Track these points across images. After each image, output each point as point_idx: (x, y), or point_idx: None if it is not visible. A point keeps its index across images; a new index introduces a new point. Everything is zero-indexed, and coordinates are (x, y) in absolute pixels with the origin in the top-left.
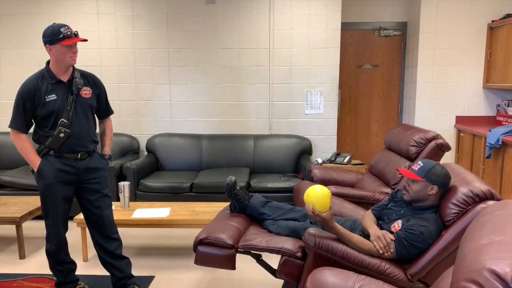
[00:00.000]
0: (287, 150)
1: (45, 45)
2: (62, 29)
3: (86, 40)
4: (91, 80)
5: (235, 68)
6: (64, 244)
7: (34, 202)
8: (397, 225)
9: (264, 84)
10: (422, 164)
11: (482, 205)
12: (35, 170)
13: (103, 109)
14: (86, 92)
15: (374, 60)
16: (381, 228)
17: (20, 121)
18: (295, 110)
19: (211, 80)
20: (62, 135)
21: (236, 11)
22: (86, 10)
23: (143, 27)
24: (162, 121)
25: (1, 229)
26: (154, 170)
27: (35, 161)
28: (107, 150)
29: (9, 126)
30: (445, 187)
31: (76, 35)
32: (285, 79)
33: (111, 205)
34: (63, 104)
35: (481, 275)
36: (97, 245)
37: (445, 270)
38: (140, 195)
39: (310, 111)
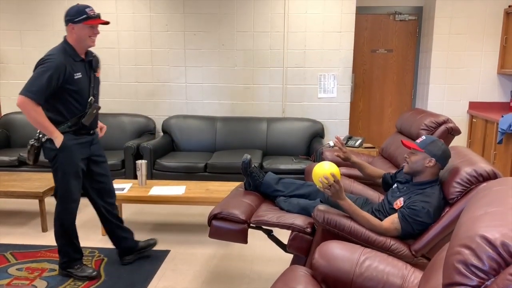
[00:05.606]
0: (300, 133)
1: (67, 23)
2: (87, 10)
3: (108, 23)
4: (98, 61)
5: (249, 51)
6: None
7: None
8: (399, 202)
9: (278, 67)
10: (424, 138)
11: (485, 184)
12: (58, 145)
13: None
14: (98, 71)
15: (389, 44)
16: (386, 203)
17: (43, 94)
18: (308, 93)
19: (225, 63)
20: (95, 111)
21: None
22: None
23: (160, 10)
24: (177, 103)
25: (25, 203)
26: (170, 150)
27: (58, 135)
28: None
29: (27, 96)
30: (443, 162)
31: (99, 17)
32: (299, 62)
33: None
34: (86, 82)
35: (474, 241)
36: (104, 209)
37: None
38: (156, 174)
39: (323, 94)
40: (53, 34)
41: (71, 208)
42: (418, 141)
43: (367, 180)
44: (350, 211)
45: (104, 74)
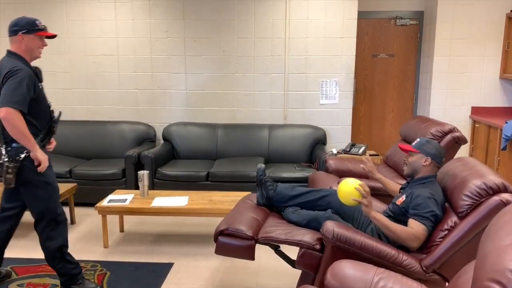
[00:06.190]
0: (302, 140)
1: (16, 33)
2: (37, 22)
3: (56, 36)
4: (41, 71)
5: (250, 57)
6: None
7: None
8: (401, 198)
9: (279, 73)
10: (419, 140)
11: (495, 198)
12: (45, 164)
13: None
14: None
15: (390, 49)
16: (391, 205)
17: (25, 102)
18: (310, 100)
19: (226, 69)
20: (58, 120)
21: (252, 0)
22: None
23: (159, 16)
24: (178, 110)
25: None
26: (171, 158)
27: (39, 149)
28: None
29: (12, 107)
30: (438, 160)
31: (46, 30)
32: (300, 68)
33: None
34: (42, 92)
35: (504, 276)
36: (16, 223)
37: (460, 262)
38: (157, 183)
39: (325, 101)
40: (50, 41)
41: (64, 223)
42: (413, 143)
43: (374, 191)
44: (382, 221)
45: (104, 81)
